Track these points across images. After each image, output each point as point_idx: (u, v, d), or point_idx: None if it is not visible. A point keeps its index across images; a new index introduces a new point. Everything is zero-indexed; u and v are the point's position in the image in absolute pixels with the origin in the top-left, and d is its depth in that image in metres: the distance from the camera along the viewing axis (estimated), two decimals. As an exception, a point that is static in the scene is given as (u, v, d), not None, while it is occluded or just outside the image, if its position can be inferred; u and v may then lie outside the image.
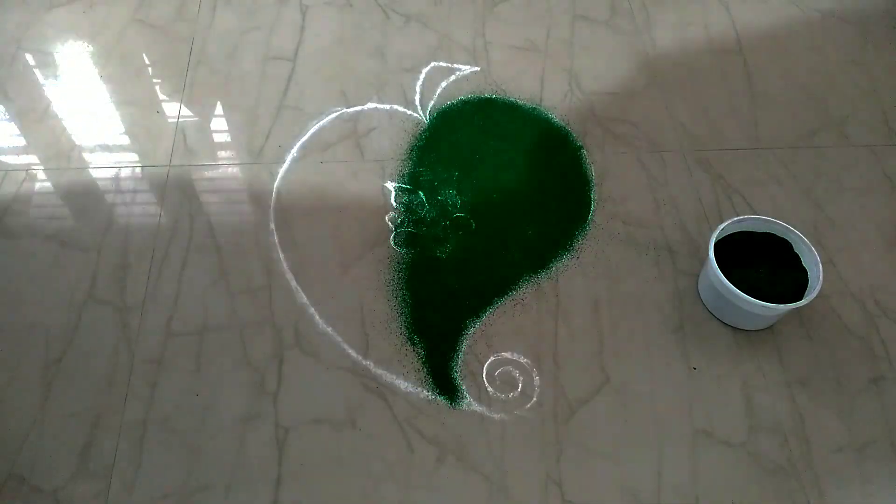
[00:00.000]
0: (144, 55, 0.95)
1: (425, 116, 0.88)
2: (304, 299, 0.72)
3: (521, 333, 0.70)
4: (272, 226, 0.78)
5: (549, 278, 0.74)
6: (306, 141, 0.85)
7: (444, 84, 0.91)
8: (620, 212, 0.79)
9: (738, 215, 0.77)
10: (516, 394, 0.67)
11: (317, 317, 0.71)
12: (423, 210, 0.79)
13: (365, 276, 0.74)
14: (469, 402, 0.66)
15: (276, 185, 0.81)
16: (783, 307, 0.65)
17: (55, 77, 0.91)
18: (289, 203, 0.80)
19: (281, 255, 0.76)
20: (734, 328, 0.71)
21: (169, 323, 0.71)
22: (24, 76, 0.91)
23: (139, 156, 0.84)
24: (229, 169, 0.83)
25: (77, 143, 0.85)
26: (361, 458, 0.63)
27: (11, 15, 0.97)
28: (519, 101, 0.90)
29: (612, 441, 0.64)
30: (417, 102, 0.89)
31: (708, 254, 0.68)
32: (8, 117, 0.86)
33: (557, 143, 0.86)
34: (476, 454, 0.63)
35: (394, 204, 0.80)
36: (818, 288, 0.66)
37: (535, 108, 0.89)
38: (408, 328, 0.71)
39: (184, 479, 0.62)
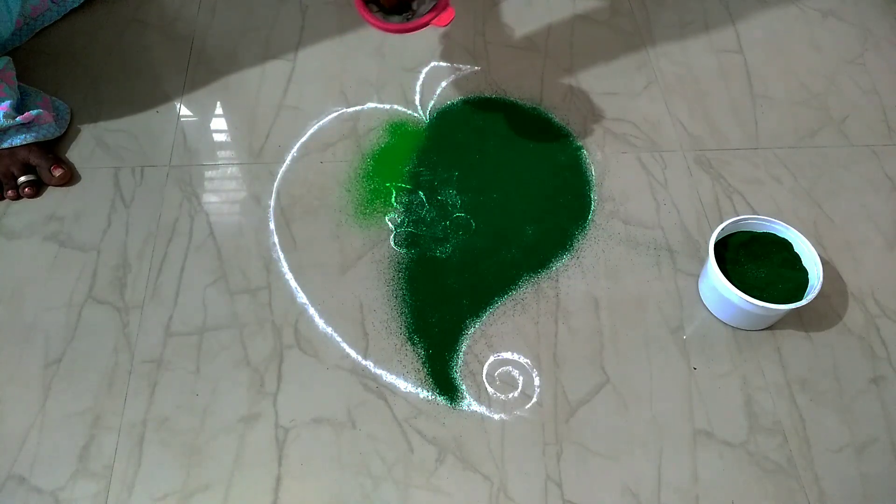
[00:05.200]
0: (144, 55, 0.95)
1: (425, 116, 0.88)
2: (304, 299, 0.72)
3: (521, 333, 0.70)
4: (272, 226, 0.78)
5: (549, 278, 0.74)
6: (306, 141, 0.85)
7: (444, 84, 0.91)
8: (620, 212, 0.79)
9: (738, 215, 0.77)
10: (516, 394, 0.67)
11: (317, 317, 0.71)
12: (423, 210, 0.79)
13: (365, 276, 0.74)
14: (469, 402, 0.66)
15: (276, 185, 0.81)
16: (783, 307, 0.65)
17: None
18: (289, 203, 0.80)
19: (281, 255, 0.76)
20: (734, 328, 0.71)
21: (169, 323, 0.71)
22: (24, 76, 0.90)
23: (139, 156, 0.84)
24: (229, 169, 0.83)
25: (76, 142, 0.85)
26: (361, 458, 0.63)
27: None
28: (519, 101, 0.90)
29: (612, 441, 0.64)
30: (417, 102, 0.89)
31: (708, 254, 0.68)
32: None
33: (557, 143, 0.86)
34: (476, 454, 0.63)
35: (394, 204, 0.80)
36: (818, 288, 0.66)
37: (535, 108, 0.89)
38: (408, 328, 0.71)
39: (184, 479, 0.62)
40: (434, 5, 0.68)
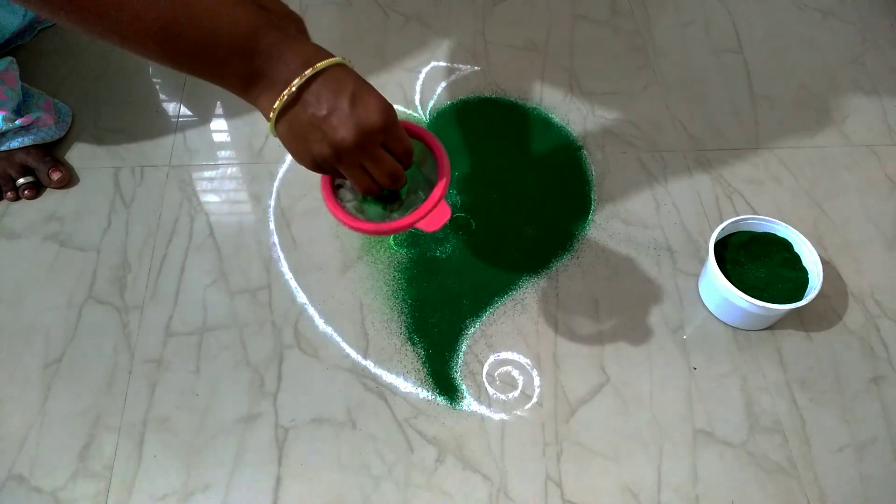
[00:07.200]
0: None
1: (425, 116, 0.88)
2: (304, 299, 0.72)
3: (521, 333, 0.70)
4: (272, 226, 0.78)
5: (549, 278, 0.74)
6: (306, 141, 0.85)
7: (444, 84, 0.91)
8: (620, 212, 0.79)
9: (738, 215, 0.77)
10: (516, 394, 0.67)
11: (317, 317, 0.71)
12: (423, 210, 0.79)
13: (365, 276, 0.74)
14: (469, 403, 0.66)
15: (276, 185, 0.81)
16: (783, 307, 0.65)
17: (55, 77, 0.91)
18: (289, 203, 0.80)
19: (281, 255, 0.76)
20: (734, 328, 0.71)
21: (169, 323, 0.71)
22: (24, 76, 0.90)
23: (139, 156, 0.84)
24: (229, 169, 0.83)
25: (77, 143, 0.85)
26: (361, 458, 0.63)
27: (11, 15, 0.96)
28: (519, 101, 0.90)
29: (612, 441, 0.64)
30: (417, 102, 0.89)
31: (708, 254, 0.68)
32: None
33: (557, 143, 0.86)
34: (476, 454, 0.63)
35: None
36: (818, 288, 0.66)
37: (535, 108, 0.89)
38: (408, 328, 0.71)
39: (184, 479, 0.62)
40: (424, 198, 0.53)
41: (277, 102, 0.46)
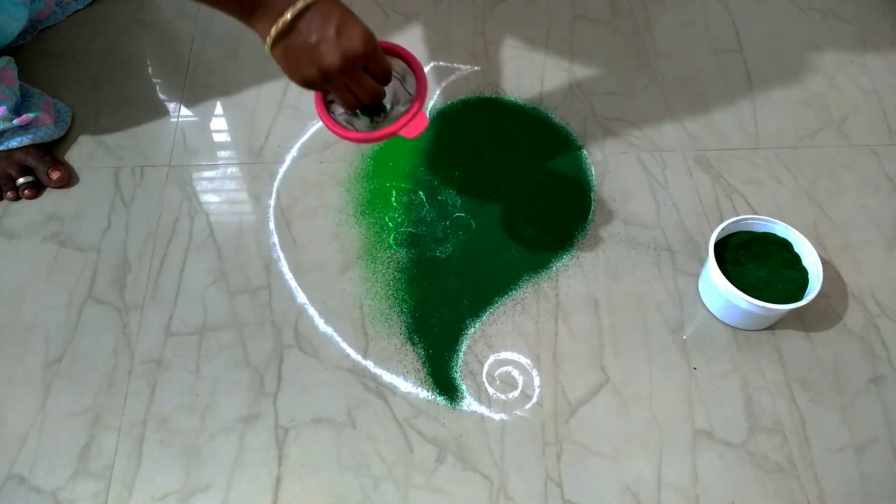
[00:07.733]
0: (144, 55, 0.95)
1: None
2: (304, 299, 0.72)
3: (521, 333, 0.70)
4: (272, 226, 0.78)
5: (549, 278, 0.74)
6: (306, 141, 0.85)
7: (444, 84, 0.91)
8: (620, 212, 0.79)
9: (738, 215, 0.77)
10: (516, 394, 0.67)
11: (317, 317, 0.71)
12: (423, 210, 0.79)
13: (365, 276, 0.74)
14: (469, 402, 0.66)
15: (276, 185, 0.81)
16: (783, 307, 0.65)
17: (55, 77, 0.91)
18: (289, 203, 0.80)
19: (281, 255, 0.76)
20: (734, 328, 0.71)
21: (169, 323, 0.71)
22: (24, 76, 0.90)
23: (139, 156, 0.84)
24: (229, 169, 0.83)
25: (76, 143, 0.85)
26: (361, 458, 0.63)
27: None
28: (519, 101, 0.90)
29: (612, 441, 0.64)
30: (417, 102, 0.89)
31: (708, 254, 0.68)
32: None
33: (557, 143, 0.86)
34: (476, 454, 0.63)
35: (394, 204, 0.80)
36: (818, 288, 0.66)
37: (535, 108, 0.89)
38: (408, 328, 0.71)
39: (184, 479, 0.62)
40: (406, 110, 0.59)
41: (273, 30, 0.52)
